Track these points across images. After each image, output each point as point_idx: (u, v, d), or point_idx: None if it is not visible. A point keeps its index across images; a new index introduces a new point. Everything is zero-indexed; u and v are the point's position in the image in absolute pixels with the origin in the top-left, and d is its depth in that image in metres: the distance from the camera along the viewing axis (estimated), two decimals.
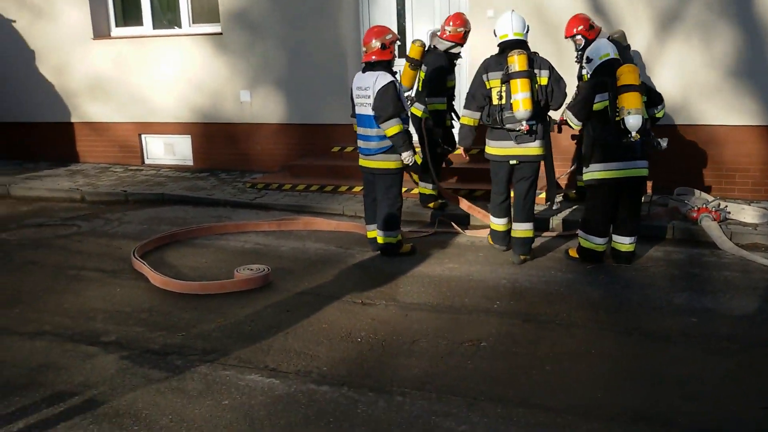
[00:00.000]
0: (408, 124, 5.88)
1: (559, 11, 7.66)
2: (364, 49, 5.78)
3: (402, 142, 5.68)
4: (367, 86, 5.68)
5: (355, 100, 5.88)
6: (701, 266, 5.83)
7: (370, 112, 5.71)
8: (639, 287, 5.39)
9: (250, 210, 7.85)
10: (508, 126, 5.66)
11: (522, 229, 5.94)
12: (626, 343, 4.44)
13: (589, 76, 5.85)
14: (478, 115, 5.87)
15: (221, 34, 9.29)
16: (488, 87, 5.74)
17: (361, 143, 5.95)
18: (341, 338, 4.48)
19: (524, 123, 5.57)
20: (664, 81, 7.55)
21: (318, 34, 8.78)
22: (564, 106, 5.92)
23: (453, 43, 6.92)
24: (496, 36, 5.79)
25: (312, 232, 6.94)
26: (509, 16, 5.77)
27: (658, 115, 5.93)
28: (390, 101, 5.59)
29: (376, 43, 5.67)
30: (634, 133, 5.40)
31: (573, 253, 6.00)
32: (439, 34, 6.98)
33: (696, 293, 5.23)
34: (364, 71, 5.79)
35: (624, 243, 5.83)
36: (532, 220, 5.96)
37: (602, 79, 5.57)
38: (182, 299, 5.21)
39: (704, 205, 6.78)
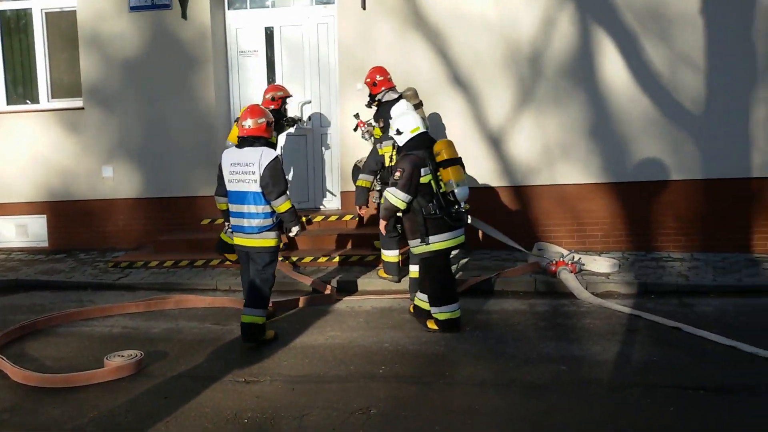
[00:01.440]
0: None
1: (426, 82, 8.14)
2: (243, 124, 5.63)
3: (293, 217, 5.66)
4: (250, 162, 5.50)
5: (230, 177, 5.63)
6: (564, 316, 6.25)
7: (254, 188, 5.52)
8: (511, 340, 5.67)
9: (115, 291, 7.47)
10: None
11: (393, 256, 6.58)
12: (507, 395, 4.63)
13: (398, 148, 6.02)
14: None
15: (83, 108, 8.96)
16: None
17: (237, 221, 5.66)
18: (227, 421, 4.33)
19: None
20: (522, 144, 8.18)
21: (182, 106, 8.72)
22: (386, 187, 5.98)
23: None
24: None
25: (185, 311, 6.70)
26: (412, 111, 6.26)
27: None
28: (281, 176, 5.57)
29: (261, 121, 5.59)
30: (463, 204, 5.79)
31: (432, 325, 5.96)
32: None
33: (563, 342, 5.59)
34: (240, 147, 5.64)
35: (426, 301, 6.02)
36: None
37: (418, 153, 5.76)
38: (49, 394, 4.81)
39: (561, 259, 7.32)
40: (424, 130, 5.95)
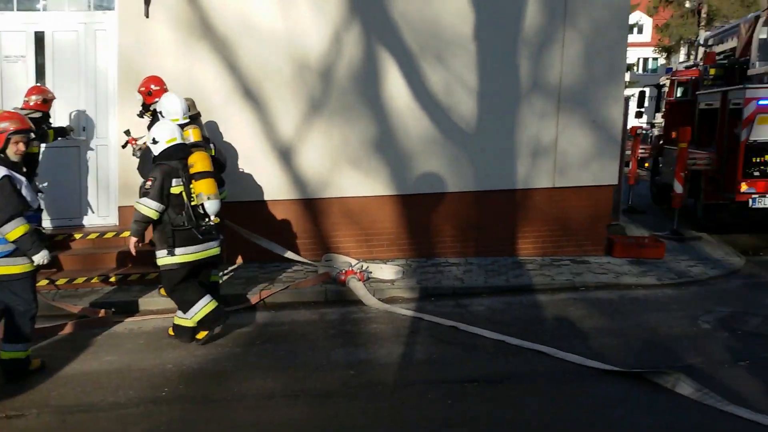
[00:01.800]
0: (38, 222, 5.19)
1: (214, 93, 7.94)
2: None
3: (29, 245, 4.91)
4: None
5: None
6: (353, 323, 6.43)
7: None
8: (301, 349, 5.71)
9: None
10: None
11: None
12: (296, 405, 4.64)
13: (154, 156, 5.84)
14: None
15: None
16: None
17: None
18: None
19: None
20: (312, 157, 8.28)
21: None
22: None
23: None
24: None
25: None
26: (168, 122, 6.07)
27: (222, 196, 6.30)
28: (8, 200, 4.83)
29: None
30: (213, 217, 5.79)
31: (171, 332, 5.97)
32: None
33: (351, 347, 5.74)
34: None
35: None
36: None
37: (171, 163, 5.69)
38: None
39: (350, 268, 7.54)
40: (181, 142, 5.83)
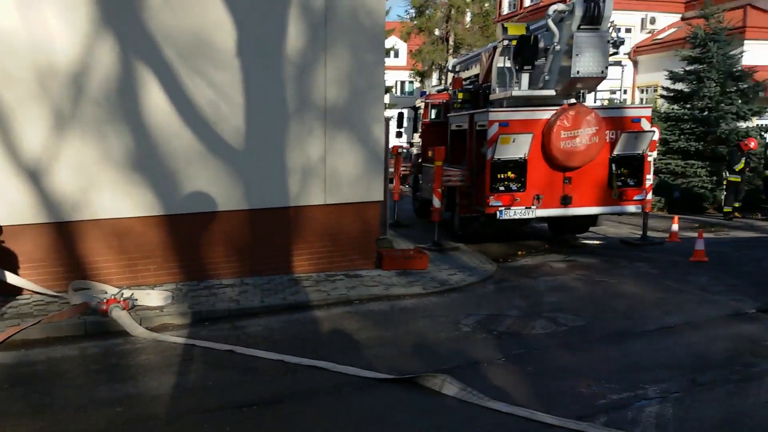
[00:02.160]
0: None
1: None
2: None
3: None
4: None
5: None
6: (118, 355, 5.93)
7: None
8: (59, 390, 5.14)
9: None
10: None
11: None
12: None
13: None
14: None
15: None
16: None
17: None
18: None
19: None
20: (64, 176, 7.50)
21: None
22: None
23: None
24: None
25: None
26: None
27: None
28: None
29: None
30: None
31: None
32: None
33: (117, 383, 5.28)
34: None
35: None
36: None
37: None
38: None
39: (112, 296, 6.95)
40: None
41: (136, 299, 7.14)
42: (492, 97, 11.93)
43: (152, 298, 7.22)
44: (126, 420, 4.59)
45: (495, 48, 12.04)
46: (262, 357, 5.80)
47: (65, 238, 7.70)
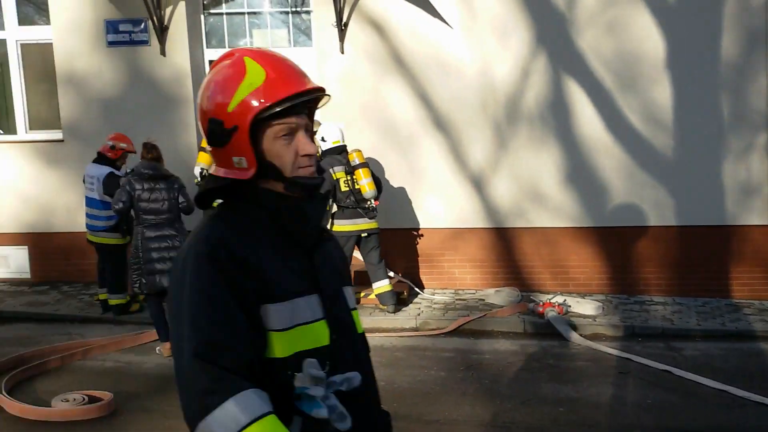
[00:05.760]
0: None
1: (403, 125, 8.32)
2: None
3: None
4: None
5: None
6: (555, 357, 6.36)
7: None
8: (506, 380, 5.75)
9: (102, 325, 7.33)
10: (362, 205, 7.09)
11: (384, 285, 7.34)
12: None
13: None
14: None
15: (62, 141, 8.85)
16: (335, 178, 7.07)
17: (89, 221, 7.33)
18: None
19: (372, 200, 7.10)
20: (501, 189, 8.35)
21: (162, 145, 8.13)
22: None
23: None
24: (325, 141, 7.23)
25: None
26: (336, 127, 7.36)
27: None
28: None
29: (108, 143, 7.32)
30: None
31: None
32: None
33: (557, 383, 5.68)
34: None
35: None
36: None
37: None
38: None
39: (548, 300, 7.47)
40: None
41: (570, 306, 7.52)
42: None
43: (584, 306, 7.50)
44: (569, 422, 4.92)
45: None
46: (703, 384, 5.58)
47: (502, 242, 8.53)
